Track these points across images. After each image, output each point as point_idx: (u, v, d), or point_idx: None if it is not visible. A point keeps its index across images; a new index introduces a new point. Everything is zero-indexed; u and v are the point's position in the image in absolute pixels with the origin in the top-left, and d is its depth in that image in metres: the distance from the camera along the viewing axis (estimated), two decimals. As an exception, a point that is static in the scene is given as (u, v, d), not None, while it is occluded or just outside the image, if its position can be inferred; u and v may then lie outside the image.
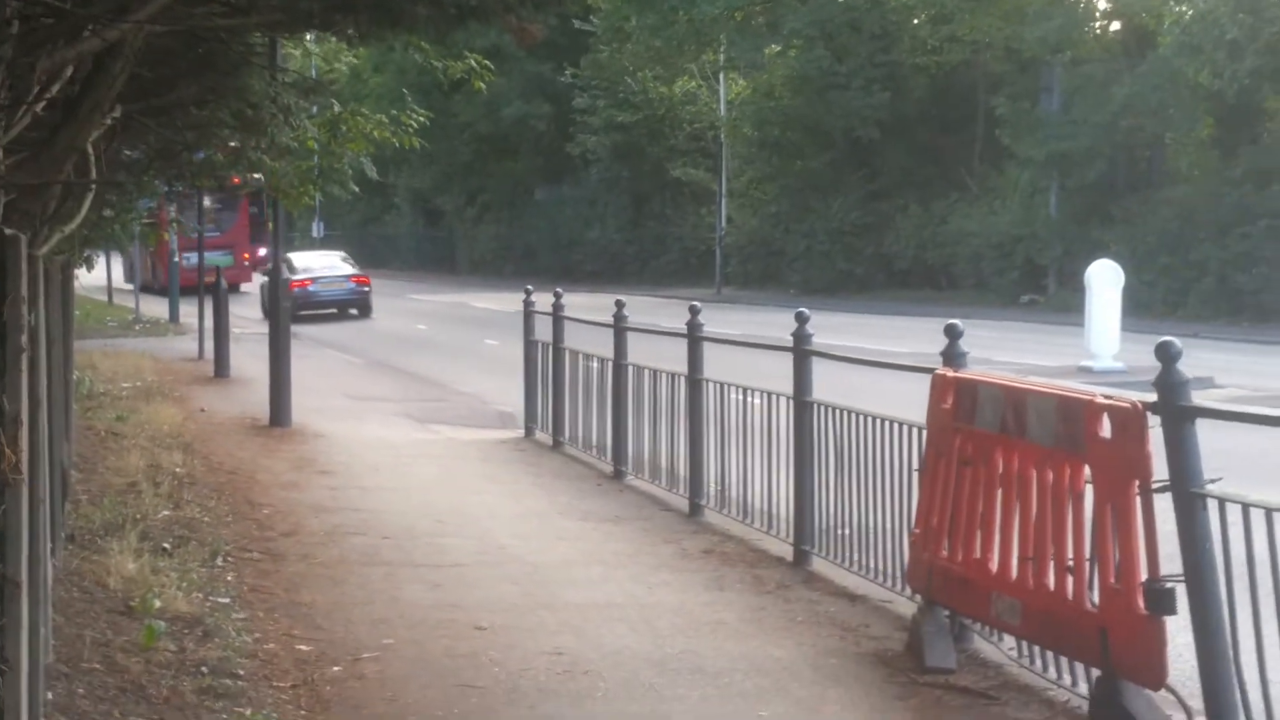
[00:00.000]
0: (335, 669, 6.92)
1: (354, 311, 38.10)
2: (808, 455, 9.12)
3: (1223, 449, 5.60)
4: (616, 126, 55.92)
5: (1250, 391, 18.85)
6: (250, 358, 22.26)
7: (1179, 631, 5.79)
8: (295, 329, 19.53)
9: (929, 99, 46.21)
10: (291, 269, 33.15)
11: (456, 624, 7.80)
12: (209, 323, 23.64)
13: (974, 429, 6.71)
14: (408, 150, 15.29)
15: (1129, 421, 5.62)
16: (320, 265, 39.80)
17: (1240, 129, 37.65)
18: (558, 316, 14.83)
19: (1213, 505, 5.42)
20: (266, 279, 31.18)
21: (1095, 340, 20.72)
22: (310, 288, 37.43)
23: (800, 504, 9.21)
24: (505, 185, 64.86)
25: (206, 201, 28.74)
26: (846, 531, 8.67)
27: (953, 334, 7.36)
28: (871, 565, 8.31)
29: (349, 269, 39.33)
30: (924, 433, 7.30)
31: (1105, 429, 5.74)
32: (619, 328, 12.96)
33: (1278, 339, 25.44)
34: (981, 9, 41.29)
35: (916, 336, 28.50)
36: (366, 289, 39.16)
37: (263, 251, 56.28)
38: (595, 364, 13.60)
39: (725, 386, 10.67)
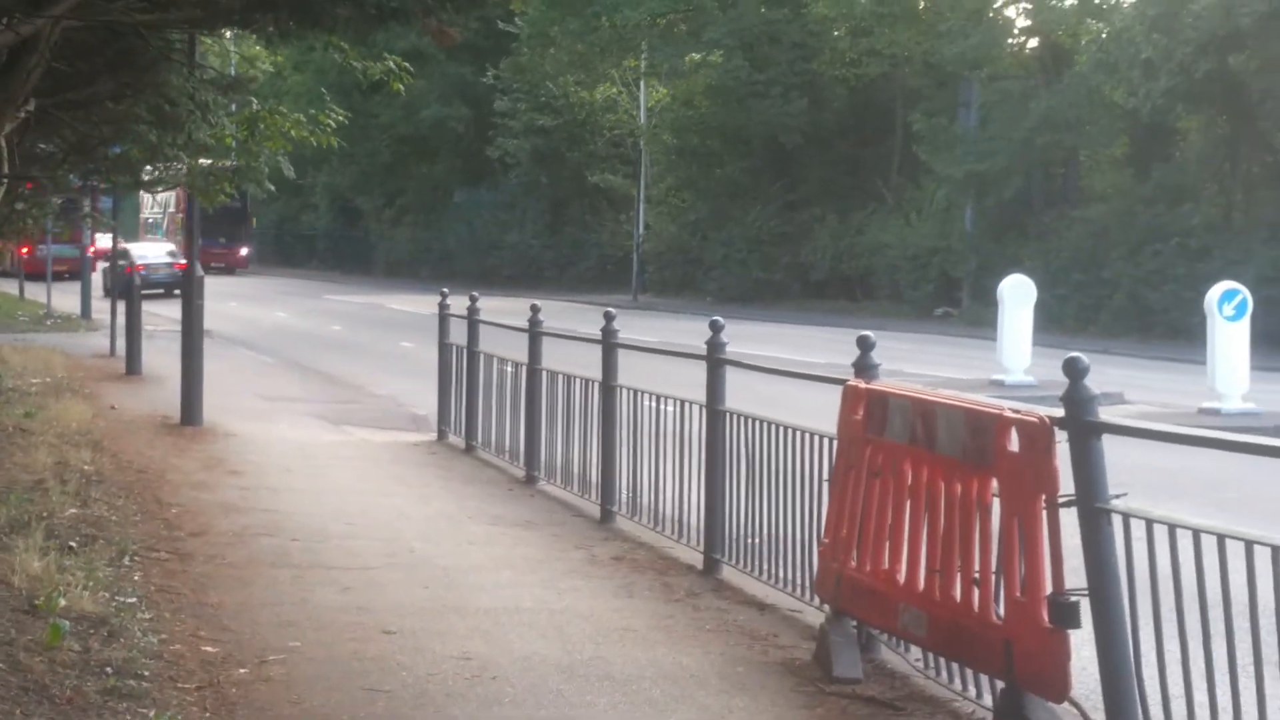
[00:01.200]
0: (241, 671, 6.87)
1: (177, 292, 47.37)
2: (719, 464, 9.15)
3: (1129, 464, 5.67)
4: (537, 130, 55.92)
5: (1159, 408, 19.11)
6: (162, 355, 22.06)
7: (1083, 645, 5.85)
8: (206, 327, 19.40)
9: (848, 111, 46.52)
10: (130, 258, 37.62)
11: (365, 627, 7.76)
12: (121, 319, 23.41)
13: (884, 440, 6.76)
14: (326, 150, 15.22)
15: (1037, 436, 5.68)
16: (152, 254, 49.89)
17: (1154, 148, 38.18)
18: (473, 320, 14.80)
19: (1118, 520, 5.49)
20: (108, 265, 40.77)
21: (1007, 354, 20.93)
22: (143, 272, 44.53)
23: (711, 512, 9.24)
24: (424, 187, 64.71)
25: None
26: (756, 540, 8.70)
27: (864, 345, 7.41)
28: (781, 574, 8.35)
29: (172, 259, 48.14)
30: (835, 443, 7.34)
31: (1013, 443, 5.80)
32: (534, 333, 12.96)
33: (1187, 356, 25.72)
34: (900, 24, 41.61)
35: (831, 347, 28.67)
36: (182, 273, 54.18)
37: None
38: (510, 368, 13.58)
39: (639, 393, 10.68)
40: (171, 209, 65.91)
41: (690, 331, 25.98)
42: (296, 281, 62.15)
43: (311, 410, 18.57)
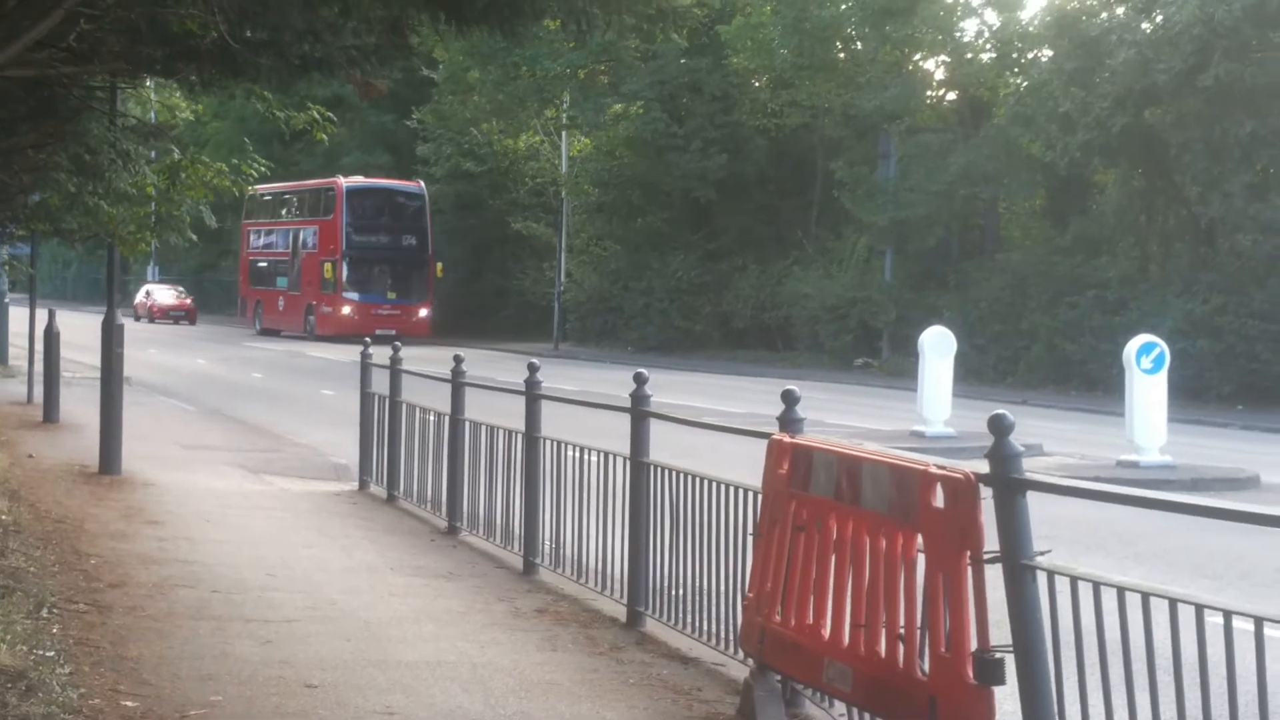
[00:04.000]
0: (161, 728, 6.78)
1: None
2: (643, 516, 9.13)
3: (1049, 515, 5.71)
4: (461, 175, 55.98)
5: (1078, 459, 19.28)
6: (81, 403, 21.80)
7: (1006, 699, 5.87)
8: (129, 374, 19.18)
9: (769, 161, 46.84)
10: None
11: (286, 681, 7.68)
12: (39, 366, 23.12)
13: (809, 495, 6.77)
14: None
15: (961, 492, 5.71)
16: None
17: (1071, 200, 38.67)
18: (395, 370, 14.74)
19: (1042, 577, 5.52)
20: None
21: (927, 406, 21.04)
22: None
23: (635, 565, 9.22)
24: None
25: None
26: (680, 593, 8.69)
27: (789, 400, 7.44)
28: (705, 628, 8.34)
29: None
30: (760, 497, 7.35)
31: (938, 499, 5.83)
32: (457, 383, 12.91)
33: (1104, 407, 26.02)
34: (820, 75, 41.94)
35: (752, 397, 28.77)
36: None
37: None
38: (432, 418, 13.52)
39: (562, 445, 10.66)
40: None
41: (611, 381, 25.98)
42: (217, 328, 61.74)
43: (231, 459, 18.40)
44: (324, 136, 14.02)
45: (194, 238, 15.14)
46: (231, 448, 19.75)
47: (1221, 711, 4.82)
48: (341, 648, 8.50)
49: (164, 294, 69.53)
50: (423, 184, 54.63)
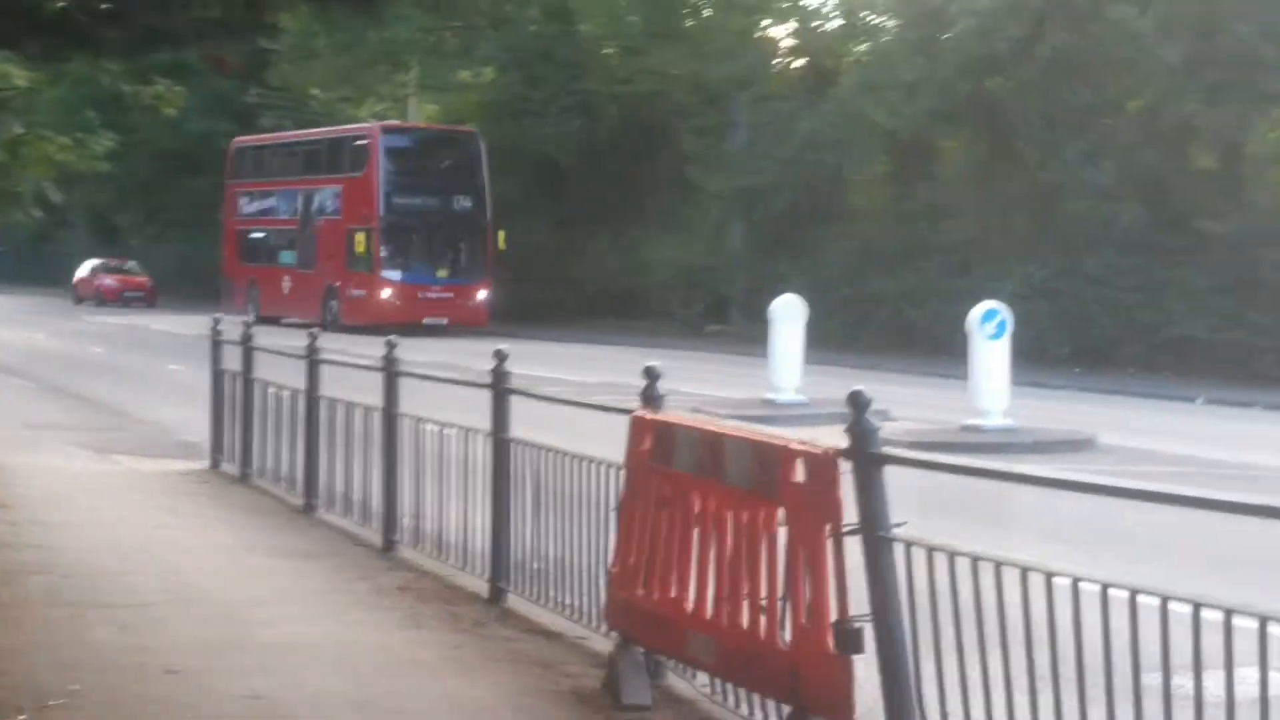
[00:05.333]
0: (20, 718, 6.71)
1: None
2: (505, 492, 9.18)
3: (899, 481, 5.86)
4: (304, 146, 55.17)
5: (925, 424, 19.62)
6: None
7: (867, 668, 6.01)
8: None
9: (620, 129, 46.87)
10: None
11: (147, 667, 7.62)
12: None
13: (672, 470, 6.86)
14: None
15: (821, 467, 5.83)
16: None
17: (915, 166, 39.20)
18: (248, 347, 14.58)
19: (899, 548, 5.67)
20: None
21: (779, 373, 21.29)
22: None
23: (497, 541, 9.26)
24: (188, 203, 63.28)
25: None
26: (544, 568, 8.75)
27: (651, 376, 7.51)
28: (569, 602, 8.40)
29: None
30: (623, 472, 7.43)
31: (799, 474, 5.95)
32: (313, 360, 12.82)
33: (949, 372, 26.40)
34: (669, 43, 42.08)
35: (608, 365, 28.84)
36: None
37: None
38: (288, 395, 13.40)
39: (422, 421, 10.65)
40: None
41: (467, 352, 25.85)
42: (53, 300, 60.28)
43: (78, 439, 18.10)
44: (172, 111, 13.85)
45: (38, 213, 14.87)
46: (77, 426, 19.43)
47: (1069, 671, 5.00)
48: (202, 631, 8.45)
49: (109, 271, 61.07)
50: (475, 130, 44.63)
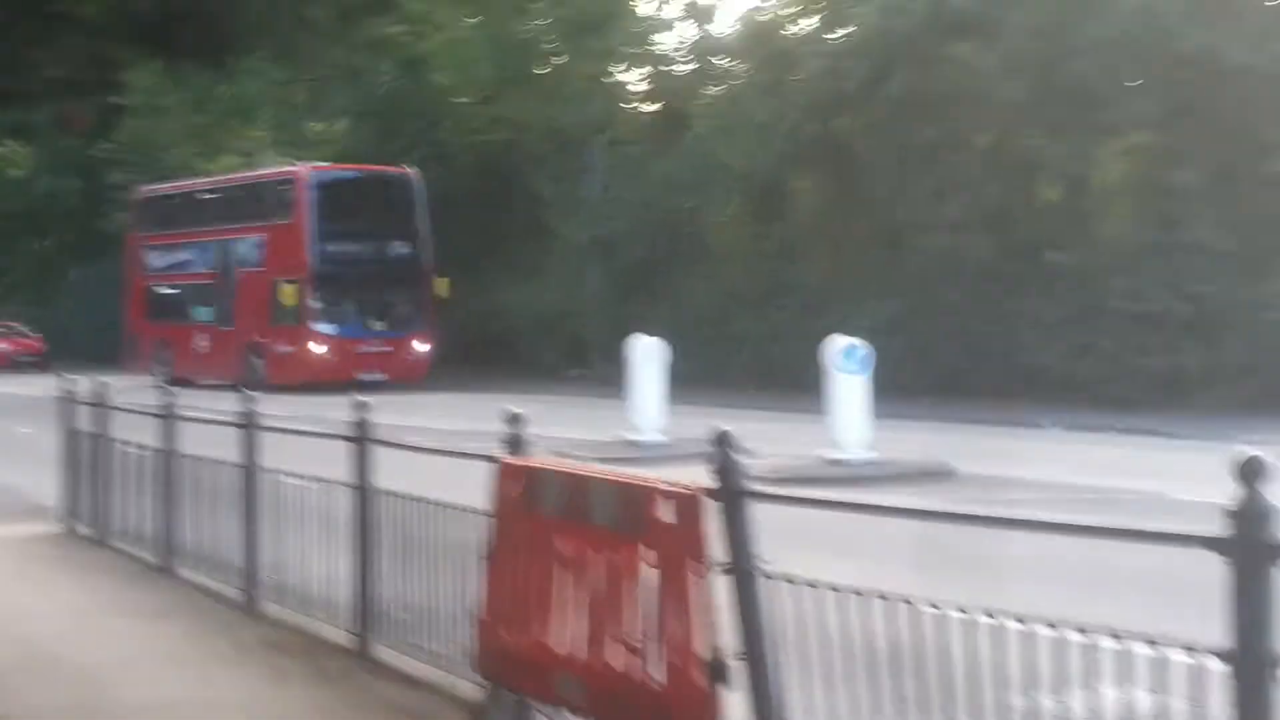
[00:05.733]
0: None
1: None
2: (369, 543, 9.09)
3: (767, 516, 5.89)
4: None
5: (791, 459, 19.73)
6: None
7: (737, 703, 6.02)
8: None
9: (476, 177, 46.82)
10: None
11: (4, 735, 7.44)
12: None
13: (538, 514, 6.84)
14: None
15: (688, 506, 5.84)
16: None
17: (770, 207, 39.59)
18: (100, 405, 14.33)
19: (768, 583, 5.69)
20: None
21: (640, 414, 21.35)
22: None
23: (363, 592, 9.16)
24: (33, 264, 62.12)
25: None
26: (411, 618, 8.67)
27: (515, 421, 7.49)
28: (437, 651, 8.33)
29: None
30: (489, 518, 7.38)
31: (665, 513, 5.95)
32: (169, 416, 12.63)
33: (811, 407, 26.60)
34: (521, 91, 42.18)
35: (468, 412, 28.68)
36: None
37: None
38: (145, 453, 13.17)
39: (282, 474, 10.52)
40: None
41: (328, 405, 25.52)
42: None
43: (-76, 504, 17.62)
44: (20, 171, 13.56)
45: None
46: (-78, 492, 18.91)
47: (934, 695, 5.04)
48: (58, 696, 8.27)
49: None
50: (411, 170, 41.25)
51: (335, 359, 38.28)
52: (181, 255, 44.00)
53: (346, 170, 41.57)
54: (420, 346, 39.40)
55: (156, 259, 45.17)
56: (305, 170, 39.82)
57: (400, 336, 39.57)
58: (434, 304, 39.44)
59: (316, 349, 38.58)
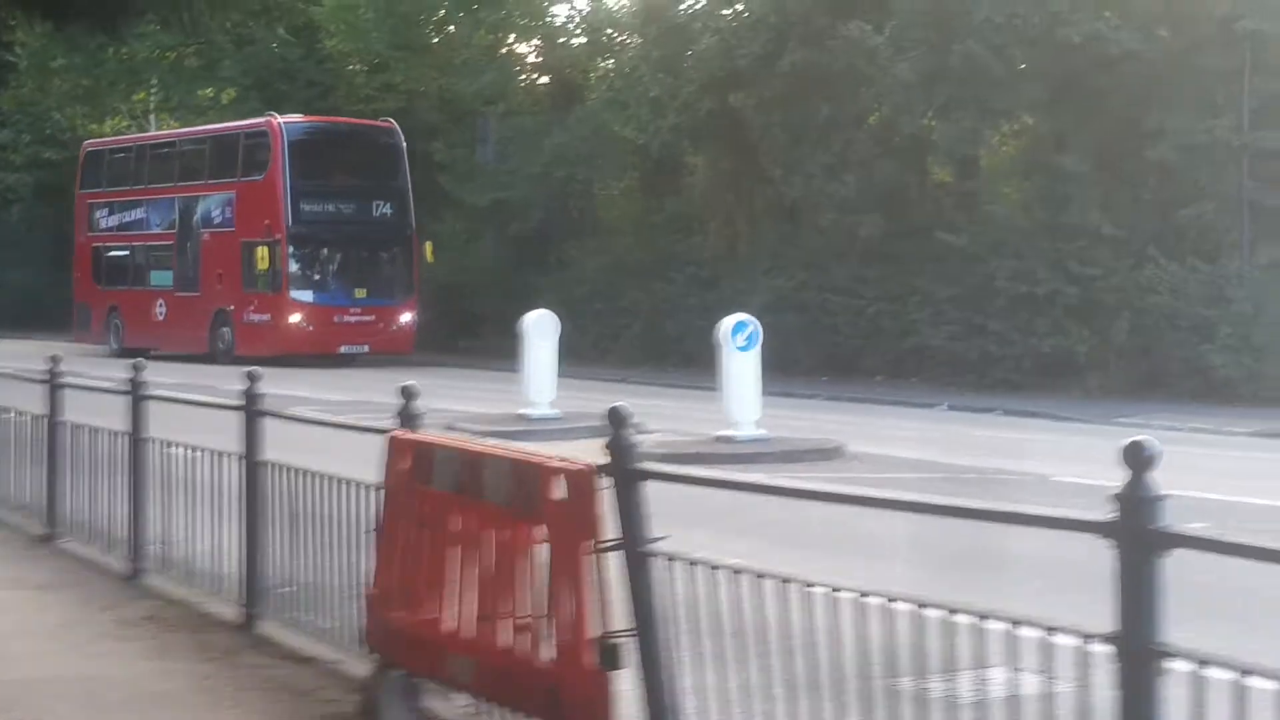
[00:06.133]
0: None
1: None
2: (259, 516, 9.01)
3: (658, 494, 5.90)
4: (41, 164, 53.65)
5: (679, 436, 19.81)
6: None
7: (630, 684, 6.04)
8: None
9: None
10: None
11: (-121, 711, 7.30)
12: None
13: (431, 490, 6.80)
14: None
15: (581, 483, 5.84)
16: None
17: (664, 181, 39.66)
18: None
19: (660, 562, 5.71)
20: None
21: (532, 388, 21.31)
22: None
23: (250, 566, 9.08)
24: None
25: None
26: (299, 593, 8.61)
27: (409, 395, 7.45)
28: (325, 627, 8.28)
29: None
30: (380, 492, 7.34)
31: (559, 490, 5.94)
32: (54, 384, 12.42)
33: (700, 383, 26.72)
34: (416, 59, 41.90)
35: (354, 384, 28.60)
36: None
37: None
38: (26, 420, 12.95)
39: (170, 445, 10.39)
40: None
41: (213, 375, 25.35)
42: None
43: None
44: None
45: None
46: None
47: (824, 677, 5.08)
48: (-65, 671, 8.12)
49: None
50: (394, 123, 38.16)
51: (315, 329, 35.44)
52: (136, 214, 40.56)
53: (325, 122, 38.80)
54: (406, 316, 36.42)
55: (106, 218, 41.57)
56: (278, 121, 36.51)
57: (385, 305, 36.55)
58: (419, 270, 37.19)
59: (294, 318, 35.49)
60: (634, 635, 5.74)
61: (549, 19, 42.51)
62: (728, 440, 18.59)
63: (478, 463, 6.50)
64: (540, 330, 21.64)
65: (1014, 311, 29.20)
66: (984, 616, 4.58)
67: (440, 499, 6.74)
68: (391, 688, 7.06)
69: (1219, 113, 27.31)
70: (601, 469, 5.82)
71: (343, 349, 34.98)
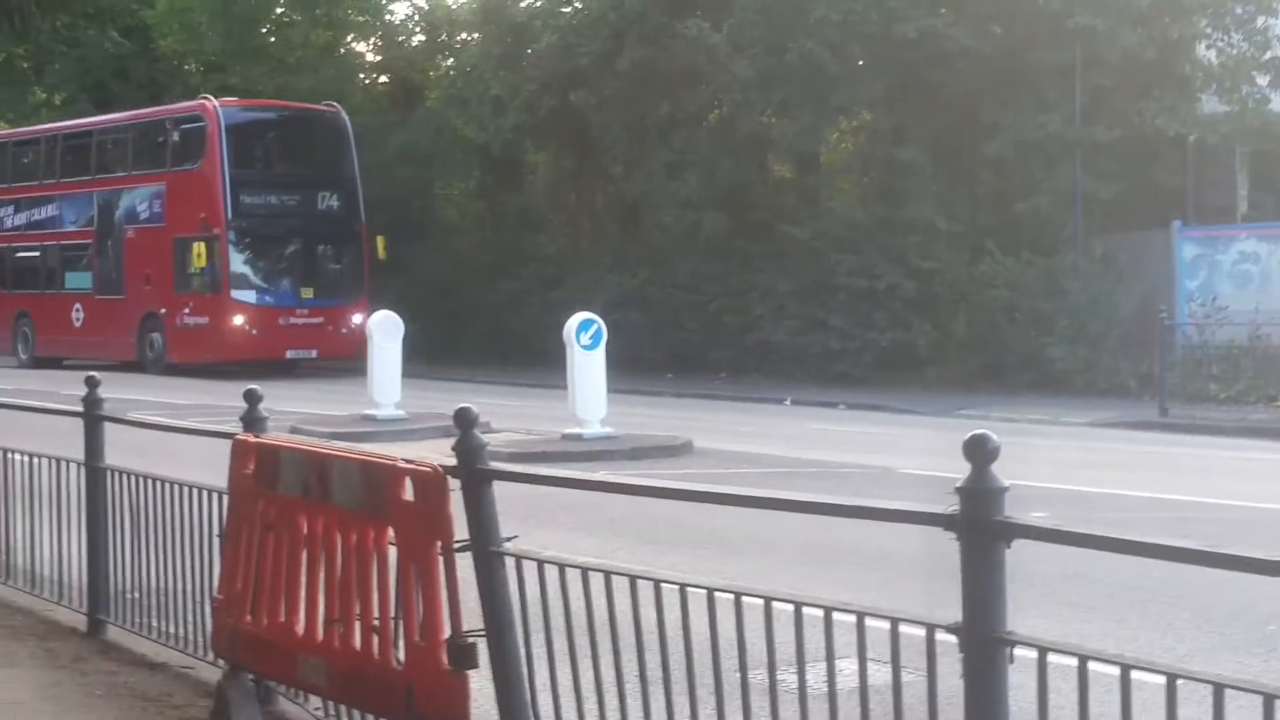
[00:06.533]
0: None
1: None
2: (102, 522, 8.87)
3: (506, 493, 5.93)
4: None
5: (525, 434, 19.83)
6: None
7: (484, 682, 6.06)
8: None
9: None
10: None
11: None
12: None
13: (277, 494, 6.76)
14: None
15: (430, 485, 5.84)
16: None
17: (507, 180, 39.63)
18: None
19: (510, 562, 5.73)
20: None
21: (378, 389, 21.20)
22: None
23: (94, 572, 8.94)
24: None
25: None
26: (146, 599, 8.50)
27: (252, 399, 7.40)
28: (173, 632, 8.19)
29: None
30: (226, 497, 7.28)
31: (408, 492, 5.94)
32: (-116, 392, 12.12)
33: (547, 381, 26.80)
34: (252, 58, 41.45)
35: (196, 387, 28.23)
36: None
37: None
38: None
39: (8, 451, 10.19)
40: None
41: (53, 379, 24.81)
42: None
43: None
44: None
45: None
46: None
47: (680, 673, 5.15)
48: None
49: None
50: (339, 107, 35.26)
51: (258, 333, 32.43)
52: (47, 210, 37.10)
53: (266, 106, 35.91)
54: (356, 318, 31.89)
55: (10, 216, 38.20)
56: (212, 105, 33.21)
57: (334, 305, 33.33)
58: (370, 268, 34.29)
59: (235, 320, 32.34)
60: (486, 635, 5.76)
61: (388, 16, 42.27)
62: (575, 438, 18.65)
63: (325, 465, 6.47)
64: (385, 332, 21.54)
65: (855, 306, 29.60)
66: (831, 610, 4.66)
67: (287, 503, 6.69)
68: (242, 692, 7.01)
69: (1052, 108, 27.92)
70: (450, 471, 5.83)
71: (289, 354, 32.73)
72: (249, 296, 32.74)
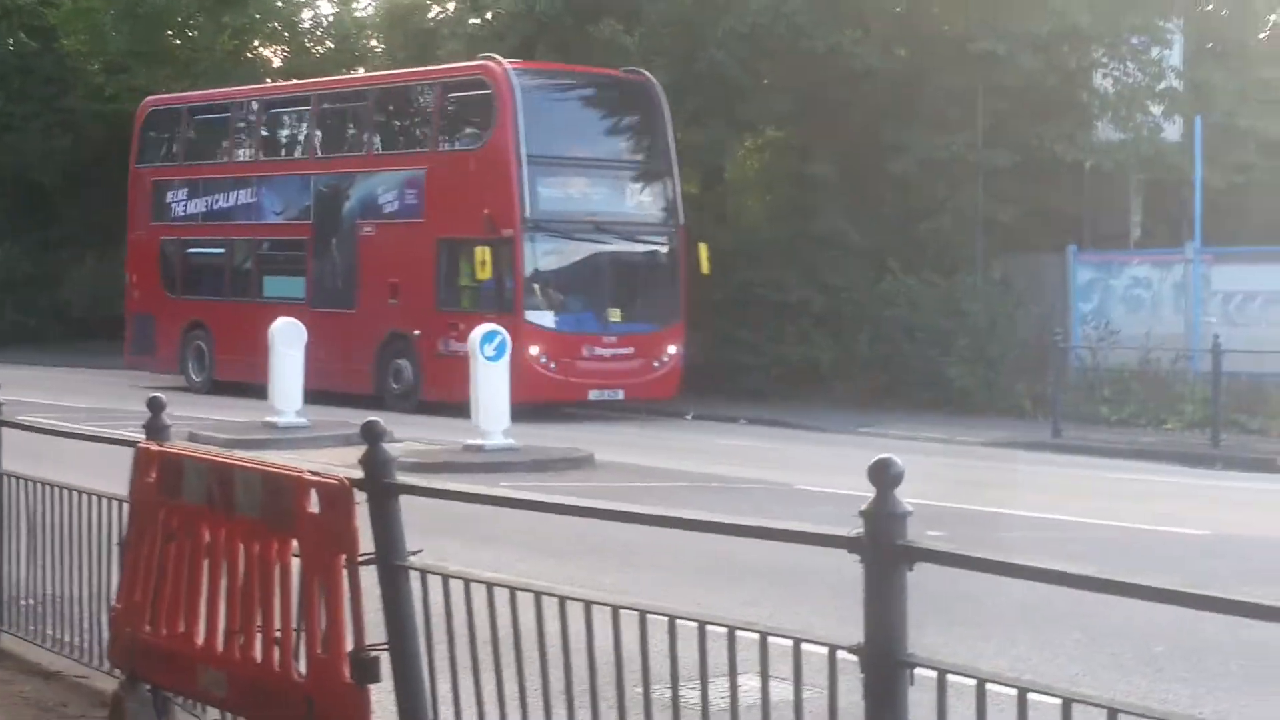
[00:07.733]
0: None
1: None
2: (-3, 529, 8.75)
3: (406, 503, 5.93)
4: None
5: (428, 444, 19.80)
6: None
7: (385, 697, 6.05)
8: None
9: (108, 147, 45.28)
10: None
11: None
12: None
13: (180, 503, 6.71)
14: None
15: (336, 497, 5.83)
16: None
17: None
18: None
19: (415, 576, 5.73)
20: None
21: (279, 396, 21.07)
22: None
23: (-12, 579, 8.83)
24: None
25: None
26: (40, 605, 8.41)
27: (156, 407, 7.34)
28: (69, 641, 8.11)
29: None
30: (127, 505, 7.23)
31: (313, 504, 5.92)
32: None
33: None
34: (156, 62, 41.13)
35: (94, 390, 27.91)
36: None
37: None
38: None
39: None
40: None
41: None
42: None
43: None
44: None
45: None
46: None
47: (583, 688, 5.17)
48: None
49: None
50: (648, 75, 27.08)
51: (556, 368, 24.99)
52: (239, 197, 29.58)
53: (562, 71, 27.72)
54: (672, 348, 25.99)
55: (187, 203, 30.64)
56: (505, 67, 25.60)
57: (648, 332, 25.97)
58: (687, 285, 26.55)
59: (530, 351, 24.30)
60: (389, 648, 5.76)
61: (295, 21, 42.03)
62: (477, 449, 18.63)
63: (229, 475, 6.43)
64: (286, 339, 21.40)
65: (762, 321, 29.66)
66: (735, 629, 4.70)
67: (190, 512, 6.65)
68: (139, 703, 6.95)
69: (955, 130, 28.23)
70: (356, 483, 5.83)
71: (591, 395, 25.58)
72: (545, 320, 25.30)
